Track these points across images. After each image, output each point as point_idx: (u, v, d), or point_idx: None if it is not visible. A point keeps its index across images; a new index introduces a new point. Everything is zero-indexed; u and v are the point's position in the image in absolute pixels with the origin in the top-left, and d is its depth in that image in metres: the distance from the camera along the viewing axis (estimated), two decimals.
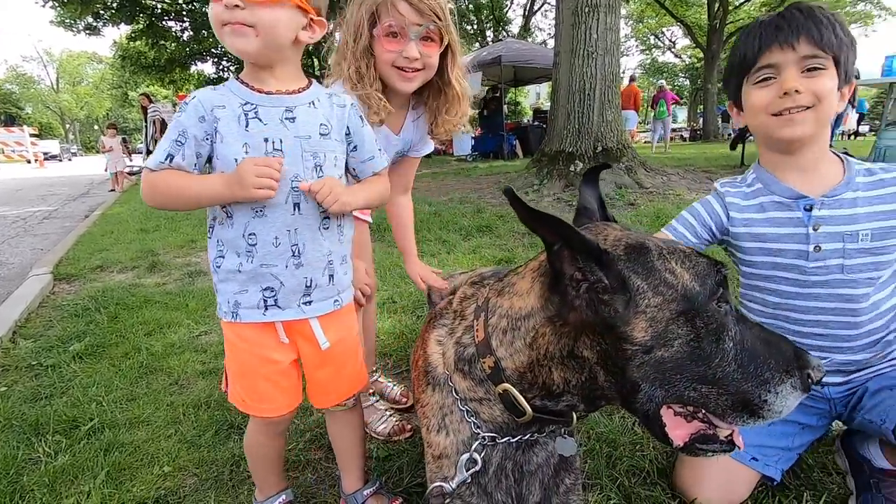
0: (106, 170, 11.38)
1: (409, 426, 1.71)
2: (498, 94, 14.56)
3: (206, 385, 2.03)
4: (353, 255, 1.54)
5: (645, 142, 13.33)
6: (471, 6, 23.78)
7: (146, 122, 12.18)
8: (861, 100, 12.76)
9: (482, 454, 0.99)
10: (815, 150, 1.18)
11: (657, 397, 0.81)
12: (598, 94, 6.03)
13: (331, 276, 1.14)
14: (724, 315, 0.81)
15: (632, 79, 14.62)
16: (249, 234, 1.05)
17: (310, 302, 1.11)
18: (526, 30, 27.09)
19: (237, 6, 0.95)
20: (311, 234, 1.09)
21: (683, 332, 0.79)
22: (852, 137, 9.21)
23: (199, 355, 2.33)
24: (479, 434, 0.98)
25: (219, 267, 1.08)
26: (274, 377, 1.13)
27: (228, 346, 1.13)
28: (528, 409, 0.91)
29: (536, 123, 14.75)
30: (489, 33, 24.52)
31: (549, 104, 9.06)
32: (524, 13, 27.69)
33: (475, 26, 25.18)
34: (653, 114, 14.88)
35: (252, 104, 1.04)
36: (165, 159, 1.01)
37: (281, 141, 1.04)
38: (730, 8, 21.25)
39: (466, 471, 0.98)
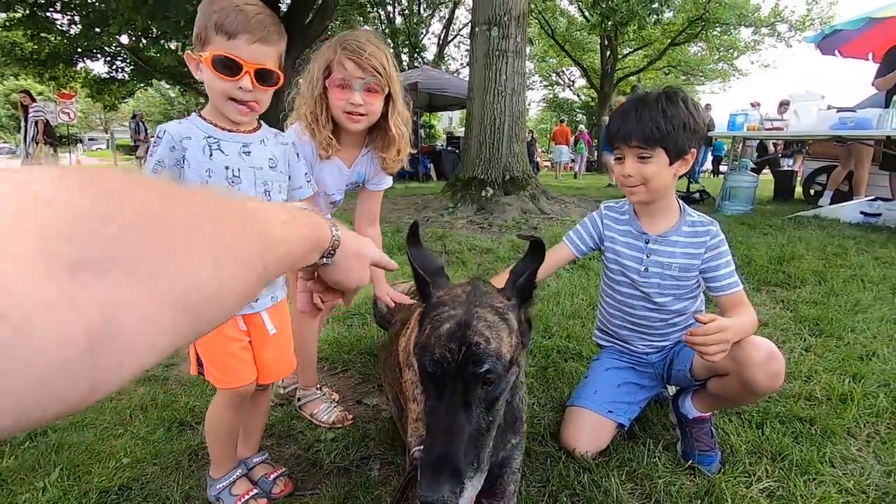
0: None
1: (351, 416, 1.97)
2: (414, 119, 15.07)
3: (148, 391, 2.12)
4: None
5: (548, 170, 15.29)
6: (387, 31, 24.48)
7: (26, 122, 11.00)
8: (719, 143, 15.30)
9: None
10: (659, 204, 1.66)
11: None
12: (507, 128, 6.73)
13: None
14: (425, 381, 1.05)
15: (561, 120, 20.25)
16: None
17: (256, 299, 1.40)
18: (440, 58, 28.42)
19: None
20: None
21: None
22: (713, 176, 11.13)
23: None
24: None
25: None
26: (239, 354, 1.40)
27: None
28: None
29: (450, 148, 15.57)
30: (405, 58, 25.35)
31: (461, 129, 9.73)
32: (438, 42, 29.05)
33: (392, 50, 25.84)
34: (574, 149, 18.91)
35: (215, 138, 1.32)
36: None
37: (239, 170, 1.35)
38: (619, 56, 24.23)
39: None
